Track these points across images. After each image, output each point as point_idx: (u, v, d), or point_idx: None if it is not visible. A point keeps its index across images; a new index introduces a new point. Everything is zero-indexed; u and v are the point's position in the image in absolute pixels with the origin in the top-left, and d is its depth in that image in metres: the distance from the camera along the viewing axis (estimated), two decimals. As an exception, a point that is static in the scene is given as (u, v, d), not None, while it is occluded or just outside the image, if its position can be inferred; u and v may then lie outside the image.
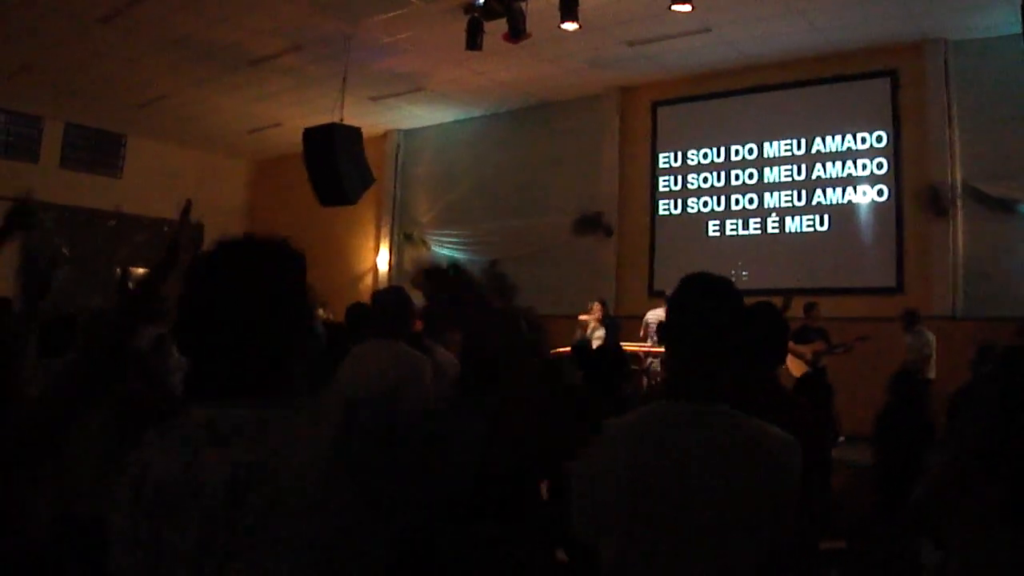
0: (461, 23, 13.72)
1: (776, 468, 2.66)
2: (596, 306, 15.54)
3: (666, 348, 2.95)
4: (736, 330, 2.85)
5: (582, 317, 15.67)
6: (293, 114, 18.88)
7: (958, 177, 15.35)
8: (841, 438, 11.55)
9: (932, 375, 13.25)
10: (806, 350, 13.99)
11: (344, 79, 16.00)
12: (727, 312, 2.85)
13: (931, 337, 13.77)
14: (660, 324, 3.08)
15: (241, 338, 1.95)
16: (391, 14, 14.19)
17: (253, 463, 1.82)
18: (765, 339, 4.05)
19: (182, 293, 2.01)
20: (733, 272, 16.48)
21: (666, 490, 2.61)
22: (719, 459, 2.63)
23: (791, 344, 13.97)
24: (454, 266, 2.40)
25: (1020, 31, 9.96)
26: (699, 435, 2.68)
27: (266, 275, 2.04)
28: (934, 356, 13.52)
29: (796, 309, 13.95)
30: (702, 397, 2.76)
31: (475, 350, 4.07)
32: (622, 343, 10.83)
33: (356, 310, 8.25)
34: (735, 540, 2.58)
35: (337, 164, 14.80)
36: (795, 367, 13.45)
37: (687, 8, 12.72)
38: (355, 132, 15.33)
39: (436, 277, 2.38)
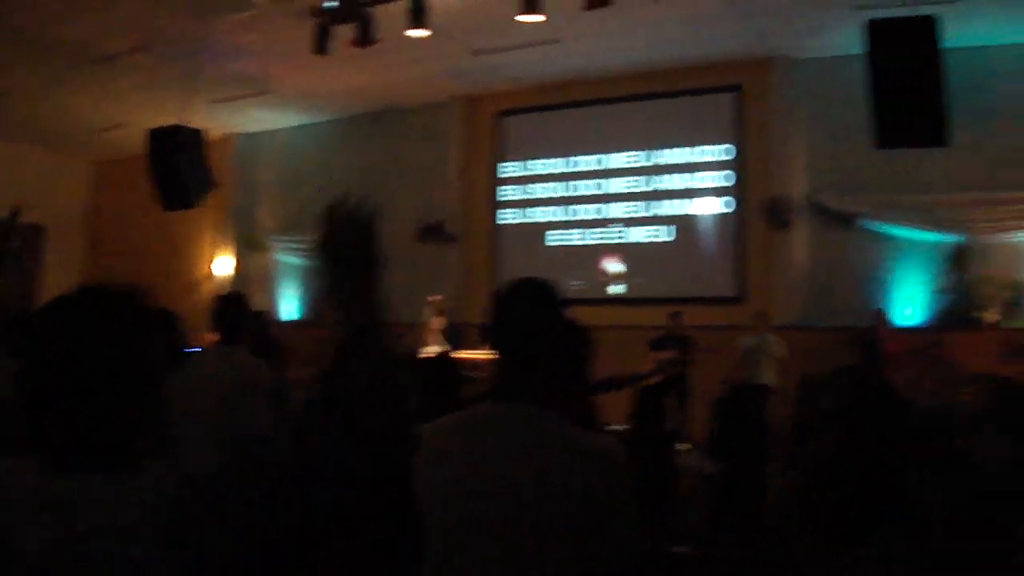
0: (309, 27, 13.61)
1: (593, 475, 2.64)
2: (437, 319, 15.58)
3: (491, 351, 2.97)
4: (551, 336, 2.87)
5: (423, 325, 15.65)
6: (138, 115, 18.42)
7: (800, 191, 15.78)
8: (688, 446, 11.72)
9: (771, 381, 13.52)
10: (658, 357, 14.21)
11: (190, 80, 15.75)
12: (543, 317, 2.86)
13: (775, 342, 14.14)
14: (484, 327, 3.11)
15: (86, 404, 1.87)
16: (238, 16, 14.00)
17: (78, 531, 1.76)
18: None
19: (27, 351, 1.94)
20: (569, 281, 16.76)
21: (477, 493, 2.62)
22: (532, 463, 2.63)
23: (649, 352, 14.27)
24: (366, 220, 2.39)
25: (862, 51, 10.25)
26: (512, 438, 2.69)
27: (112, 337, 1.95)
28: (774, 361, 13.80)
29: (660, 317, 14.29)
30: (522, 400, 2.76)
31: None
32: (467, 350, 10.88)
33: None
34: (546, 547, 2.56)
35: (180, 167, 14.59)
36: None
37: (535, 19, 12.80)
38: (198, 135, 15.12)
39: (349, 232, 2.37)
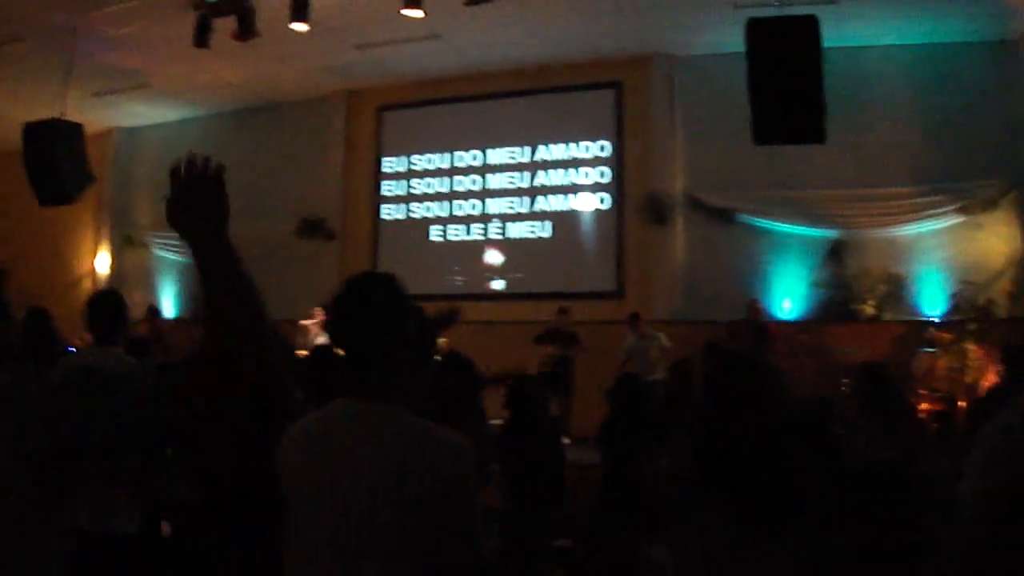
0: (189, 19, 13.45)
1: (438, 467, 2.65)
2: (318, 312, 15.44)
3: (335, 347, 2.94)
4: (392, 329, 2.84)
5: (303, 323, 15.52)
6: (13, 108, 18.01)
7: (679, 187, 15.96)
8: (567, 440, 11.79)
9: (661, 376, 13.69)
10: (543, 351, 14.33)
11: (68, 73, 15.43)
12: (383, 312, 2.84)
13: (660, 337, 14.25)
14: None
15: None
16: (118, 7, 13.79)
17: None
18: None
19: None
20: (449, 277, 16.93)
21: (327, 491, 2.61)
22: (379, 458, 2.63)
23: (534, 346, 14.38)
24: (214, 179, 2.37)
25: (743, 50, 10.35)
26: (360, 435, 2.68)
27: None
28: (664, 357, 13.92)
29: (548, 312, 14.36)
30: (368, 396, 2.76)
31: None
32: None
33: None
34: (395, 541, 2.58)
35: (57, 162, 14.30)
36: (532, 369, 13.81)
37: (418, 14, 12.76)
38: (76, 128, 14.82)
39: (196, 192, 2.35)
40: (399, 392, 2.79)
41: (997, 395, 8.31)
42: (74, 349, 6.50)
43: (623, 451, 7.26)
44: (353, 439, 2.67)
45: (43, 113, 14.77)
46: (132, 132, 21.36)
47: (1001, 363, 8.95)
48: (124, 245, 21.02)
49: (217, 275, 2.21)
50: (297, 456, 2.70)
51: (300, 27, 13.09)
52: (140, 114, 20.29)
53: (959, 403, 12.56)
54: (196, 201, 2.40)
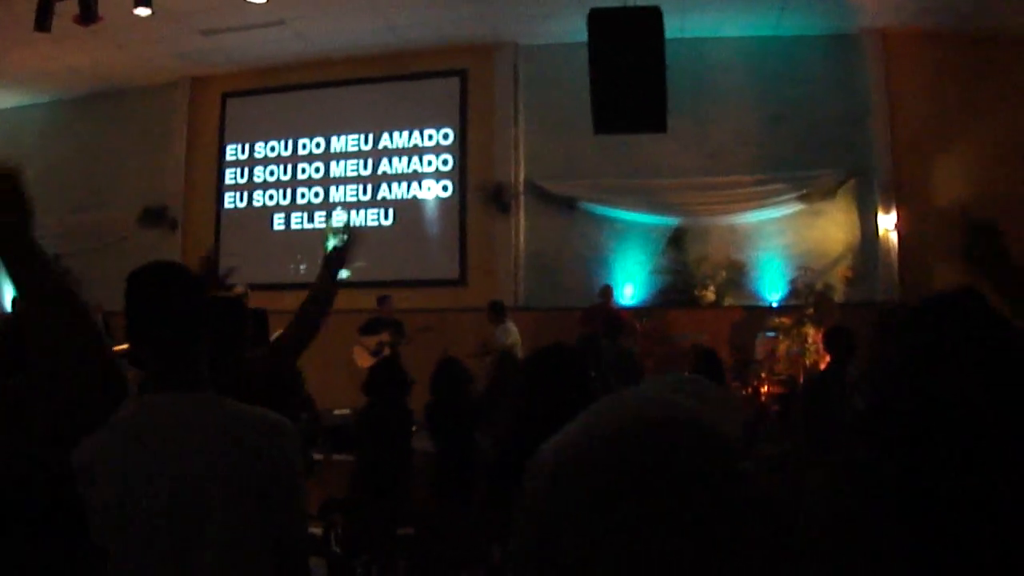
0: (31, 2, 13.19)
1: (262, 448, 2.69)
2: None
3: (129, 341, 2.90)
4: (193, 317, 2.84)
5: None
6: None
7: (521, 175, 16.13)
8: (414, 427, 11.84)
9: None
10: (371, 341, 14.28)
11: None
12: (185, 300, 2.83)
13: (514, 328, 14.33)
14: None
15: None
16: (-49, -12, 13.50)
17: None
18: (226, 328, 4.03)
19: None
20: (293, 266, 16.83)
21: (152, 484, 2.59)
22: (197, 445, 2.64)
23: (358, 336, 14.34)
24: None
25: (586, 39, 10.45)
26: (180, 427, 2.68)
27: None
28: (519, 345, 14.02)
29: (368, 302, 14.30)
30: (181, 386, 2.76)
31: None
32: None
33: None
34: (231, 526, 2.60)
35: None
36: (362, 358, 13.80)
37: (262, 0, 12.70)
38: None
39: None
40: (207, 381, 2.81)
41: (824, 377, 8.70)
42: None
43: (449, 436, 7.36)
44: (182, 431, 2.67)
45: None
46: (-29, 118, 20.70)
47: (824, 347, 9.31)
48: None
49: (25, 278, 2.17)
50: (116, 453, 2.63)
51: (144, 12, 12.92)
52: (-21, 100, 19.70)
53: (800, 385, 12.89)
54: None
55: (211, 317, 2.92)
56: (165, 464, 2.61)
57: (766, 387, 12.97)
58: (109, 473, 2.60)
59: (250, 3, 12.88)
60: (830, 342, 8.62)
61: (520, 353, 13.70)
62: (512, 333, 14.14)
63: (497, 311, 14.38)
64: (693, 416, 2.60)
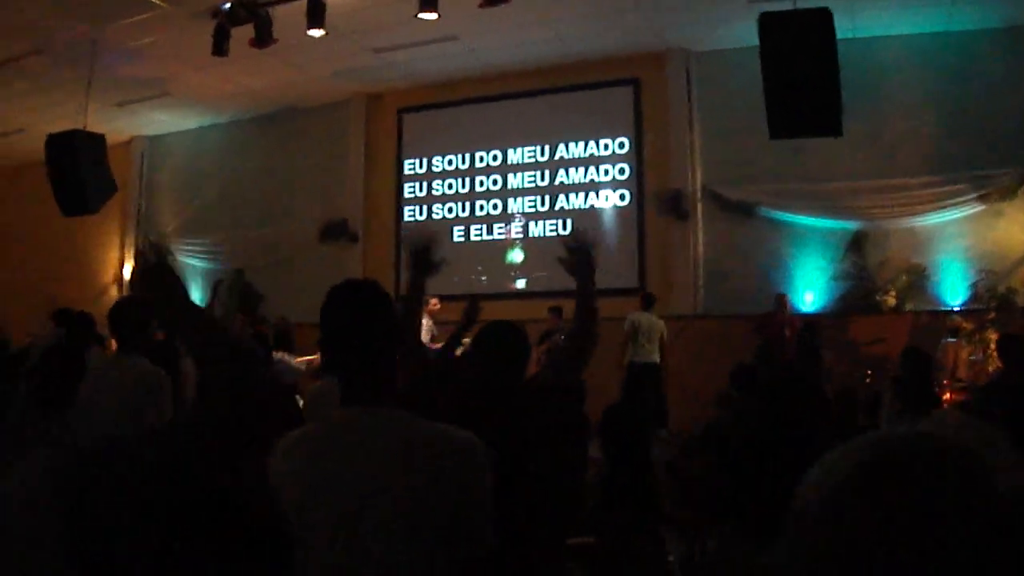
0: (208, 28, 13.54)
1: (450, 469, 2.69)
2: (434, 300, 15.44)
3: (323, 356, 2.94)
4: (384, 334, 2.88)
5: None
6: (36, 120, 18.05)
7: (698, 182, 16.03)
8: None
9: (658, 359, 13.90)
10: (538, 352, 14.31)
11: (89, 84, 15.50)
12: (379, 319, 2.87)
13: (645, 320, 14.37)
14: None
15: None
16: (137, 18, 13.86)
17: None
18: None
19: None
20: (473, 277, 16.87)
21: (338, 498, 2.63)
22: (390, 463, 2.67)
23: (536, 346, 14.36)
24: (160, 265, 2.40)
25: (757, 44, 10.36)
26: (371, 443, 2.71)
27: None
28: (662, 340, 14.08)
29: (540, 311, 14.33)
30: (373, 402, 2.80)
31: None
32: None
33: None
34: (413, 544, 2.62)
35: (80, 172, 14.36)
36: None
37: (433, 16, 12.81)
38: (98, 139, 14.85)
39: (148, 278, 2.40)
40: (394, 397, 2.87)
41: (997, 386, 8.14)
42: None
43: (630, 444, 7.26)
44: (363, 448, 2.71)
45: (66, 124, 14.87)
46: (154, 140, 21.44)
47: (997, 354, 8.92)
48: (147, 252, 20.98)
49: (185, 339, 2.27)
50: (300, 464, 2.72)
51: (317, 33, 13.21)
52: (162, 122, 20.36)
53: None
54: (150, 286, 2.46)
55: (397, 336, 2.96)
56: (340, 479, 2.66)
57: (948, 395, 12.54)
58: (291, 482, 2.66)
59: (421, 20, 12.99)
60: (1004, 349, 8.28)
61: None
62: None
63: (648, 303, 14.63)
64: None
